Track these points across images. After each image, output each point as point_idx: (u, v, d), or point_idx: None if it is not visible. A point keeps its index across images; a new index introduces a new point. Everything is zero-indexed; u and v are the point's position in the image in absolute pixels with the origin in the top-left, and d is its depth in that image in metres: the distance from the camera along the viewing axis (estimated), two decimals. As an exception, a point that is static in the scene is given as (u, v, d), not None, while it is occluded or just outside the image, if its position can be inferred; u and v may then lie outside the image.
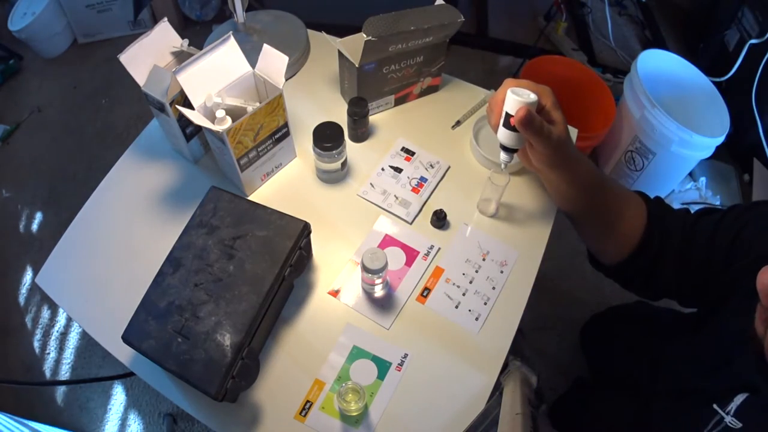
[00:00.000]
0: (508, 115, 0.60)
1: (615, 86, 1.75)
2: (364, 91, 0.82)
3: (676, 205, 1.56)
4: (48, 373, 1.36)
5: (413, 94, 0.89)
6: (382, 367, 0.66)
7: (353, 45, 0.78)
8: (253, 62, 0.73)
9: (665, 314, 1.01)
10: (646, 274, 0.70)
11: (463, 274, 0.73)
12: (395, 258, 0.74)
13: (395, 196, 0.79)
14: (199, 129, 0.79)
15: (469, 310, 0.70)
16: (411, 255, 0.74)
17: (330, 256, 0.74)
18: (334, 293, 0.71)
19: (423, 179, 0.81)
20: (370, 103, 0.84)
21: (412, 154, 0.84)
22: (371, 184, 0.80)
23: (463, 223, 0.77)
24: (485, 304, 0.70)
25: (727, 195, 1.60)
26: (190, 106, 0.68)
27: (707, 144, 1.34)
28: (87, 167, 1.70)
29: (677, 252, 0.66)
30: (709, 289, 0.65)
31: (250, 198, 0.78)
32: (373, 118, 0.87)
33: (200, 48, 0.70)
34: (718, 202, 1.57)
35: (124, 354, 0.66)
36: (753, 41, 1.47)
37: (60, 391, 1.34)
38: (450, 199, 0.80)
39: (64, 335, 1.41)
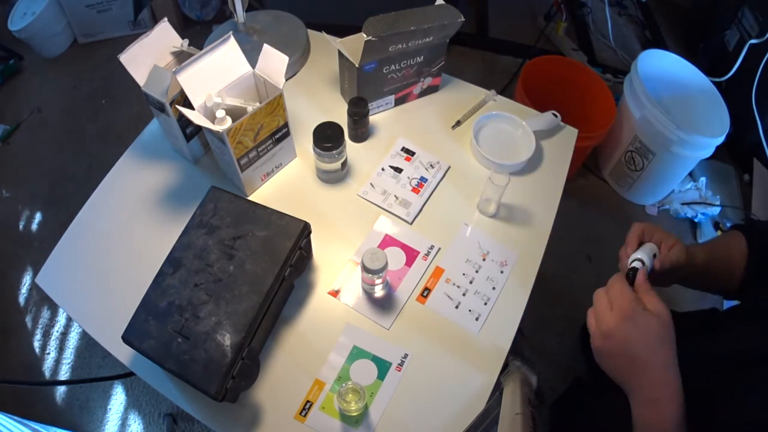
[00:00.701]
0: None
1: (615, 86, 1.75)
2: (364, 91, 0.82)
3: (676, 205, 1.55)
4: (48, 373, 1.36)
5: (413, 94, 0.89)
6: (382, 367, 0.66)
7: (353, 45, 0.78)
8: (253, 62, 0.73)
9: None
10: None
11: (463, 274, 0.73)
12: (395, 258, 0.74)
13: (395, 196, 0.79)
14: (199, 129, 0.79)
15: (470, 310, 0.70)
16: (411, 255, 0.74)
17: (330, 256, 0.74)
18: (334, 293, 0.71)
19: (423, 179, 0.81)
20: (370, 103, 0.84)
21: (412, 154, 0.84)
22: (371, 184, 0.80)
23: (463, 223, 0.77)
24: (485, 304, 0.70)
25: (727, 195, 1.60)
26: (190, 106, 0.67)
27: (707, 144, 1.34)
28: (87, 167, 1.70)
29: None
30: None
31: (250, 198, 0.78)
32: (373, 118, 0.87)
33: (200, 48, 0.70)
34: (718, 202, 1.57)
35: (124, 354, 0.66)
36: (753, 41, 1.47)
37: (60, 391, 1.34)
38: (450, 199, 0.80)
39: (64, 335, 1.41)
